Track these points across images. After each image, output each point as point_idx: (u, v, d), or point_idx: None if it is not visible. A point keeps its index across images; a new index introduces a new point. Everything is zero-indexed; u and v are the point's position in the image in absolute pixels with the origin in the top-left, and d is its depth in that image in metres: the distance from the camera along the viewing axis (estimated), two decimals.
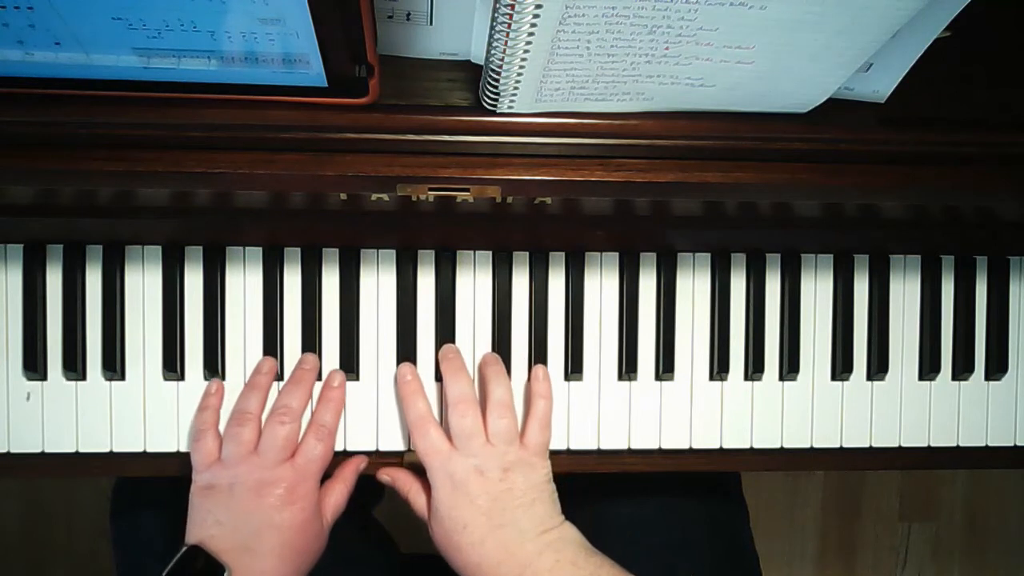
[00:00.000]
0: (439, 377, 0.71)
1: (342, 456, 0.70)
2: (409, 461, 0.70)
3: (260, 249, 0.70)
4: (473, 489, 0.64)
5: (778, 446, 0.73)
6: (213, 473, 0.65)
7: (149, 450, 0.69)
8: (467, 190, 0.59)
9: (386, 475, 0.70)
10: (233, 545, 0.62)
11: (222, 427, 0.68)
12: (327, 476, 0.69)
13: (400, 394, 0.70)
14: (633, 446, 0.73)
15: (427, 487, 0.67)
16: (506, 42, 0.49)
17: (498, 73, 0.52)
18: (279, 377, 0.70)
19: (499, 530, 0.63)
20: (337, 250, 0.71)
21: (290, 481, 0.64)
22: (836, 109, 0.58)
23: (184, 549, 0.62)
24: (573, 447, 0.72)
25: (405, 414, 0.69)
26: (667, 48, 0.51)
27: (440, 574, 0.68)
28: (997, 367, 0.75)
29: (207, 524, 0.63)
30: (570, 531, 0.65)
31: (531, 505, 0.64)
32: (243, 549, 0.62)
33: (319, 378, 0.70)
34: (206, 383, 0.70)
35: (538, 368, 0.71)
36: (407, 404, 0.69)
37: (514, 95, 0.54)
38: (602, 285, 0.72)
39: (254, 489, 0.63)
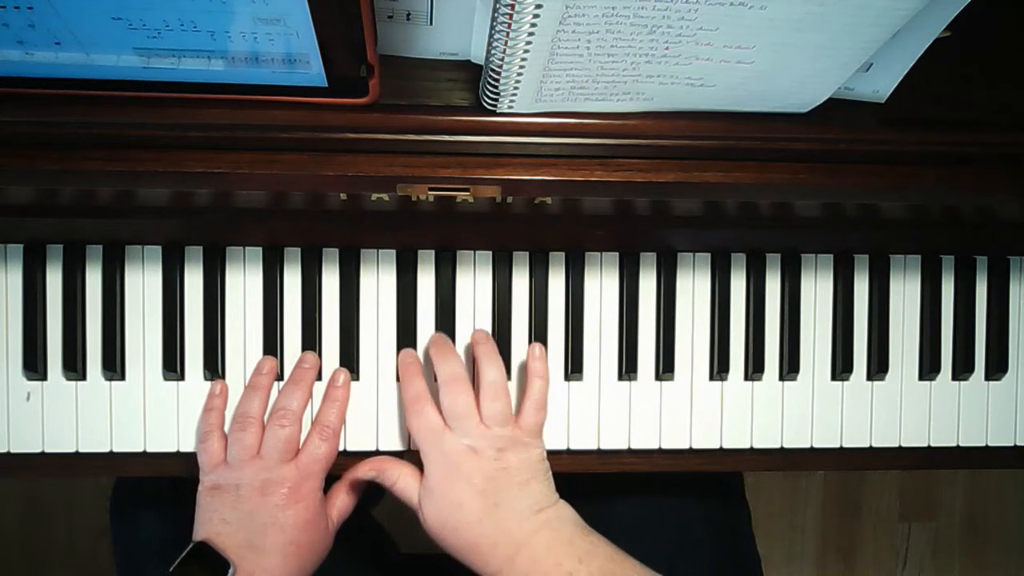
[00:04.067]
0: None
1: (341, 456, 0.70)
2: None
3: (260, 249, 0.70)
4: (468, 468, 0.63)
5: (778, 446, 0.73)
6: (219, 474, 0.65)
7: (149, 450, 0.69)
8: (467, 190, 0.59)
9: (371, 469, 0.67)
10: (238, 542, 0.62)
11: (227, 426, 0.68)
12: (334, 477, 0.69)
13: (400, 376, 0.70)
14: (633, 446, 0.73)
15: (417, 472, 0.66)
16: (506, 42, 0.49)
17: (498, 73, 0.52)
18: (279, 377, 0.70)
19: (495, 509, 0.63)
20: (337, 250, 0.71)
21: (294, 480, 0.65)
22: (836, 109, 0.58)
23: (191, 545, 0.63)
24: (573, 447, 0.72)
25: (403, 393, 0.69)
26: (667, 48, 0.51)
27: (439, 574, 0.68)
28: (997, 367, 0.75)
29: (213, 522, 0.63)
30: (565, 510, 0.65)
31: (526, 484, 0.64)
32: (248, 546, 0.62)
33: (319, 377, 0.70)
34: (206, 383, 0.70)
35: (534, 347, 0.70)
36: (405, 384, 0.69)
37: (514, 95, 0.54)
38: (602, 285, 0.72)
39: (259, 489, 0.64)
